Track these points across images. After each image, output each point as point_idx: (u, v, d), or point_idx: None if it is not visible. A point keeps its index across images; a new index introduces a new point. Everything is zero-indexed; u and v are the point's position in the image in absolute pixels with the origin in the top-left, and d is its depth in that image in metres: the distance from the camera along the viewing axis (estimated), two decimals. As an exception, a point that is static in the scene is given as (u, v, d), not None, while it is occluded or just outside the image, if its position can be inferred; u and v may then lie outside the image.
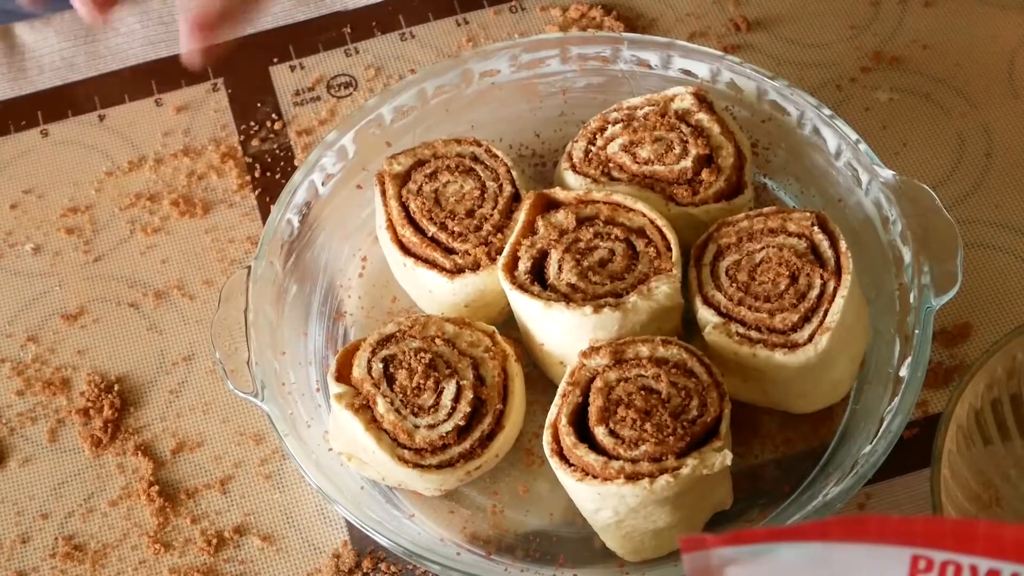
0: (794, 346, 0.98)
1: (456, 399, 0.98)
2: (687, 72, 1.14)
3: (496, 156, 1.09)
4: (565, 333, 1.00)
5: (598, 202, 1.04)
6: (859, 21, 1.27)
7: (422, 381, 0.98)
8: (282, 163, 1.22)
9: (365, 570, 1.02)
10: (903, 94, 1.22)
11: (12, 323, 1.15)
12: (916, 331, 1.00)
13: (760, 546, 0.70)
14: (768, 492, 1.02)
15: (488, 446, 0.99)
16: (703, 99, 1.09)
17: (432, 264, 1.05)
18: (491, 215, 1.06)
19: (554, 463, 0.96)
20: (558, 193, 1.05)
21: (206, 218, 1.19)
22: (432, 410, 0.98)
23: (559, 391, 0.98)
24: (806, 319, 0.99)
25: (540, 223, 1.03)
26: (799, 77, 1.23)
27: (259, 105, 1.25)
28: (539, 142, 1.18)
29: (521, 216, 1.04)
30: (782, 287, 1.00)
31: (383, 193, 1.08)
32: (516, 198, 1.07)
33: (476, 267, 1.04)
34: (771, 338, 0.98)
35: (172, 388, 1.11)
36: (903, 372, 0.99)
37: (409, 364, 0.99)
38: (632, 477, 0.93)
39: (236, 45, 1.29)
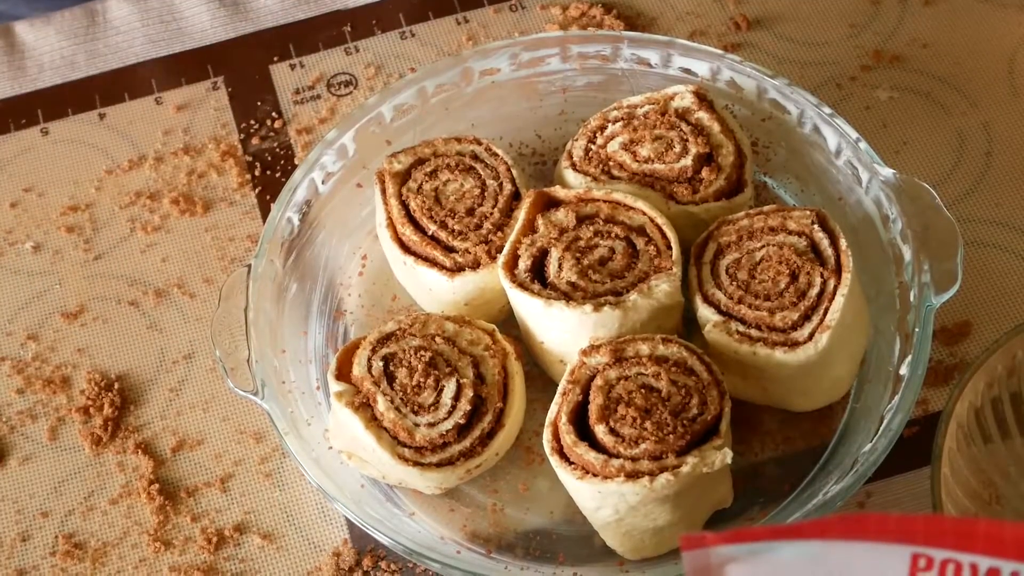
0: (794, 344, 0.98)
1: (456, 397, 0.98)
2: (687, 70, 1.14)
3: (496, 154, 1.09)
4: (565, 331, 1.00)
5: (598, 200, 1.04)
6: (859, 20, 1.27)
7: (422, 379, 0.98)
8: (282, 161, 1.22)
9: (365, 568, 1.02)
10: (903, 92, 1.22)
11: (12, 321, 1.15)
12: (916, 329, 1.00)
13: (760, 544, 0.70)
14: (768, 490, 1.02)
15: (488, 444, 0.99)
16: (703, 97, 1.09)
17: (432, 262, 1.05)
18: (491, 213, 1.06)
19: (554, 461, 0.96)
20: (558, 191, 1.05)
21: (206, 216, 1.19)
22: (432, 408, 0.98)
23: (559, 389, 0.98)
24: (806, 317, 0.99)
25: (540, 221, 1.03)
26: (799, 75, 1.23)
27: (259, 103, 1.25)
28: (539, 140, 1.18)
29: (521, 214, 1.04)
30: (782, 285, 1.00)
31: (383, 191, 1.08)
32: (516, 196, 1.07)
33: (476, 265, 1.04)
34: (771, 336, 0.98)
35: (172, 386, 1.11)
36: (903, 370, 0.99)
37: (409, 362, 0.99)
38: (632, 475, 0.93)
39: (236, 43, 1.29)
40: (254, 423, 1.09)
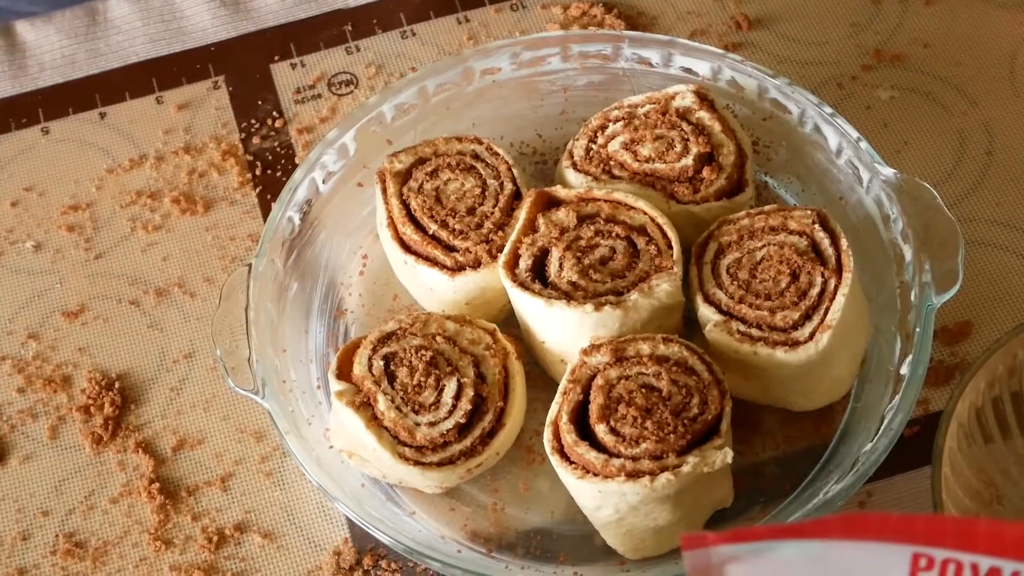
0: (795, 344, 0.98)
1: (457, 397, 0.98)
2: (688, 70, 1.14)
3: (497, 154, 1.09)
4: (566, 331, 1.00)
5: (599, 200, 1.04)
6: (860, 19, 1.27)
7: (423, 379, 0.98)
8: (283, 161, 1.22)
9: (366, 567, 1.02)
10: (904, 92, 1.22)
11: (13, 320, 1.15)
12: (917, 329, 1.00)
13: (761, 544, 0.69)
14: (769, 490, 1.02)
15: (489, 444, 0.99)
16: (704, 97, 1.09)
17: (433, 262, 1.05)
18: (492, 213, 1.06)
19: (555, 461, 0.96)
20: (559, 191, 1.05)
21: (207, 216, 1.19)
22: (433, 408, 0.98)
23: (560, 389, 0.98)
24: (807, 317, 0.99)
25: (541, 221, 1.03)
26: (800, 75, 1.23)
27: (260, 103, 1.25)
28: (540, 140, 1.18)
29: (522, 214, 1.04)
30: (783, 285, 1.00)
31: (384, 191, 1.08)
32: (517, 196, 1.07)
33: (477, 265, 1.04)
34: (772, 336, 0.98)
35: (173, 385, 1.11)
36: (904, 370, 0.99)
37: (410, 362, 0.99)
38: (633, 475, 0.93)
39: (237, 43, 1.29)
40: (255, 422, 1.09)
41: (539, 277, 1.02)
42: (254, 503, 1.06)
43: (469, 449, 0.98)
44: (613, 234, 1.03)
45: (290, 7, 1.31)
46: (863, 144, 1.08)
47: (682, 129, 1.07)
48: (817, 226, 1.02)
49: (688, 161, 1.06)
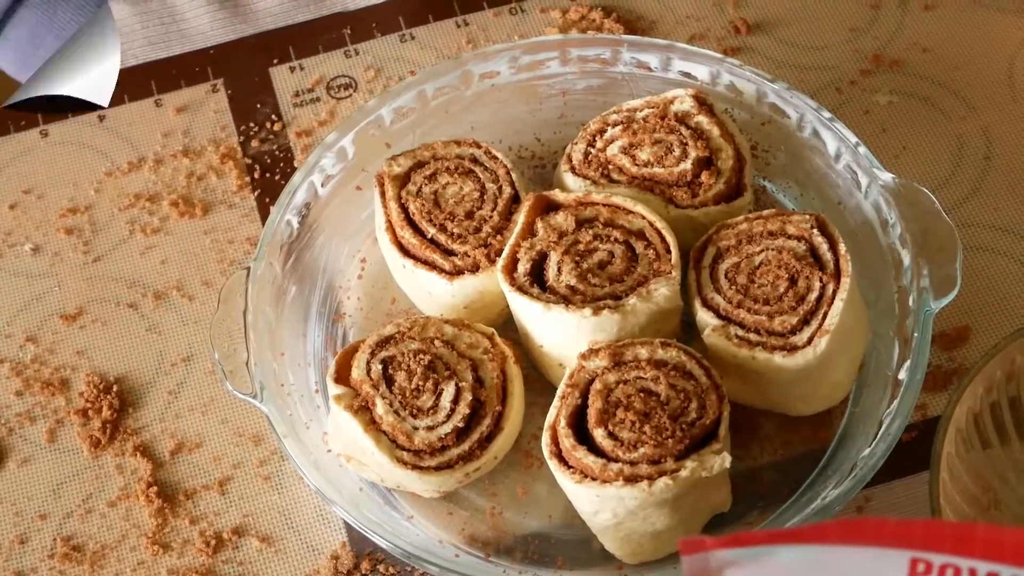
0: (793, 349, 0.98)
1: (455, 401, 0.98)
2: (687, 74, 1.14)
3: (496, 158, 1.09)
4: (564, 335, 1.00)
5: (597, 204, 1.04)
6: (859, 24, 1.27)
7: (421, 383, 0.98)
8: (281, 164, 1.22)
9: (363, 571, 1.02)
10: (903, 97, 1.22)
11: (11, 323, 1.15)
12: (915, 334, 1.00)
13: (759, 548, 0.70)
14: (767, 494, 1.02)
15: (487, 448, 0.99)
16: (703, 101, 1.09)
17: (431, 266, 1.05)
18: (490, 217, 1.06)
19: (553, 465, 0.96)
20: (557, 195, 1.05)
21: (205, 219, 1.19)
22: (431, 412, 0.98)
23: (558, 393, 0.98)
24: (805, 322, 0.99)
25: (539, 225, 1.03)
26: (799, 80, 1.23)
27: (259, 106, 1.25)
28: (539, 144, 1.18)
29: (520, 218, 1.04)
30: (781, 290, 1.00)
31: (382, 194, 1.08)
32: (515, 200, 1.07)
33: (475, 269, 1.04)
34: (770, 340, 0.98)
35: (171, 389, 1.11)
36: (902, 375, 0.99)
37: (408, 366, 0.99)
38: (631, 479, 0.92)
39: (236, 46, 1.29)
40: (253, 426, 1.09)
41: (537, 281, 1.02)
42: (252, 507, 1.06)
43: (467, 453, 0.98)
44: (611, 238, 1.03)
45: (289, 10, 1.31)
46: (862, 149, 1.08)
47: (681, 133, 1.07)
48: (815, 231, 1.02)
49: (687, 165, 1.06)
